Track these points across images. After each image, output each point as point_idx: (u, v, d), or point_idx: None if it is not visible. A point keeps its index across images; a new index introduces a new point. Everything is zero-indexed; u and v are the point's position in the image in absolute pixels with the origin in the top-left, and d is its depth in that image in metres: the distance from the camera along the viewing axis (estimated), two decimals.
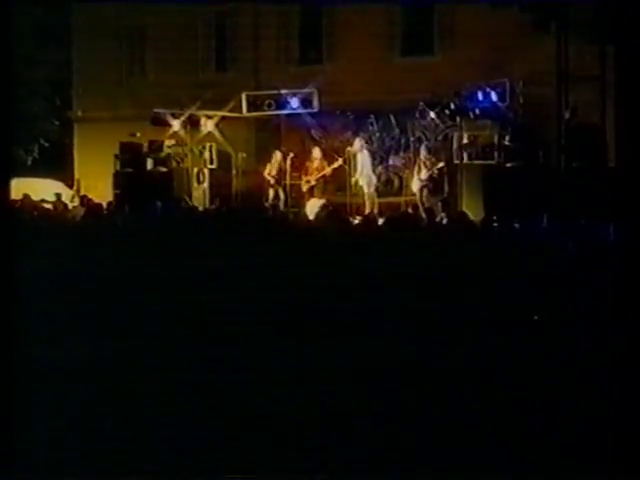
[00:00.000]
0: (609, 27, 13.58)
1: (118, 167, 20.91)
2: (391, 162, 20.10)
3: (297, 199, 19.45)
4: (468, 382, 6.59)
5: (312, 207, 17.82)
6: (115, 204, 17.42)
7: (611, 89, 13.50)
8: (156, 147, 20.65)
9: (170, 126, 20.45)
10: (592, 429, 6.25)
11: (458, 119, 18.38)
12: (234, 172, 21.07)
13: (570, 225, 11.12)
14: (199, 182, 20.60)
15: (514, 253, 8.12)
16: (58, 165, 26.33)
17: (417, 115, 19.77)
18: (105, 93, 24.13)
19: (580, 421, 6.31)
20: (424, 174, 18.44)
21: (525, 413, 6.39)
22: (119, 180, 20.63)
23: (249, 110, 20.54)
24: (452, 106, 18.26)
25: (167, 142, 20.65)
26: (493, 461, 6.09)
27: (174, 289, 7.45)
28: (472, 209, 15.90)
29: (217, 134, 20.85)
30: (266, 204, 18.66)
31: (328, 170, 19.25)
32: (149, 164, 20.66)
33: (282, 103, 20.21)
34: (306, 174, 19.38)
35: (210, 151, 20.83)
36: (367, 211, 17.82)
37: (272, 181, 19.68)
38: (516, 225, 10.68)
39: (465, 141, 18.40)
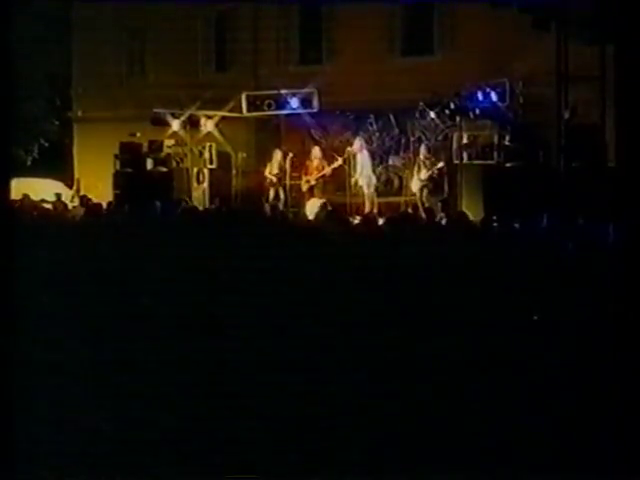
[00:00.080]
0: (609, 27, 13.58)
1: (118, 167, 20.91)
2: (391, 162, 20.12)
3: (297, 199, 19.45)
4: (467, 382, 6.59)
5: (312, 207, 17.83)
6: (115, 204, 17.42)
7: (611, 89, 13.49)
8: (156, 147, 20.65)
9: (170, 126, 20.45)
10: (592, 429, 6.25)
11: (458, 119, 18.38)
12: (234, 172, 21.07)
13: (570, 225, 11.12)
14: (199, 182, 20.60)
15: (514, 253, 8.12)
16: (58, 165, 26.33)
17: (417, 115, 19.78)
18: (105, 93, 24.13)
19: (580, 421, 6.31)
20: (424, 174, 18.45)
21: (525, 413, 6.39)
22: (119, 180, 20.64)
23: (249, 110, 20.54)
24: (452, 106, 18.27)
25: (167, 142, 20.65)
26: (493, 461, 6.09)
27: (174, 289, 7.45)
28: (472, 209, 15.90)
29: (217, 134, 20.85)
30: (266, 204, 18.65)
31: (328, 170, 19.25)
32: (149, 164, 20.65)
33: (282, 103, 20.21)
34: (306, 174, 19.38)
35: (210, 151, 20.82)
36: (367, 211, 17.81)
37: (273, 180, 19.68)
38: (516, 225, 10.67)
39: (465, 141, 18.40)
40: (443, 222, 13.91)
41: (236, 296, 7.19)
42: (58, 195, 21.11)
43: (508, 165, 17.46)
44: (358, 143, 19.40)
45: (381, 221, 11.83)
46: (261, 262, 7.37)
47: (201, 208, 18.18)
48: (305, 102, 20.11)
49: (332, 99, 20.04)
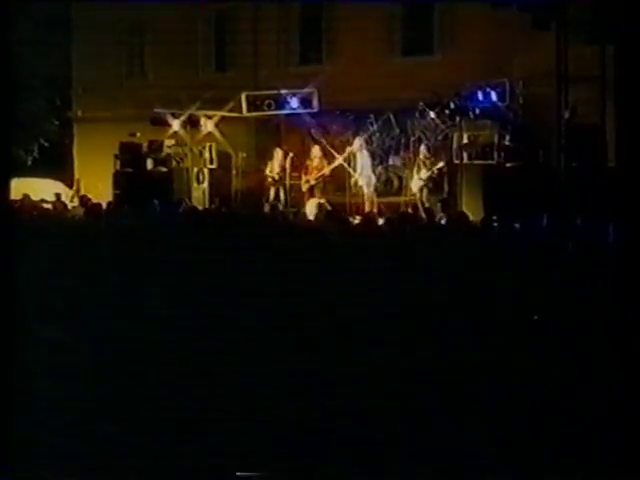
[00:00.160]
0: (609, 27, 13.58)
1: (118, 167, 20.92)
2: (391, 162, 20.11)
3: (297, 199, 19.45)
4: (468, 382, 6.59)
5: (311, 207, 17.83)
6: (115, 204, 17.41)
7: (611, 89, 13.49)
8: (156, 147, 20.65)
9: (170, 126, 20.44)
10: (592, 429, 6.25)
11: (458, 119, 18.37)
12: (234, 172, 21.07)
13: (570, 225, 11.12)
14: (199, 182, 20.60)
15: (514, 253, 8.12)
16: (58, 165, 26.31)
17: (417, 115, 19.76)
18: (105, 93, 24.11)
19: (580, 421, 6.31)
20: (424, 174, 18.46)
21: (525, 413, 6.39)
22: (119, 180, 20.64)
23: (249, 110, 20.53)
24: (452, 106, 18.26)
25: (167, 142, 20.65)
26: (494, 461, 6.09)
27: (174, 289, 7.45)
28: (472, 209, 15.90)
29: (217, 134, 20.84)
30: (266, 204, 18.66)
31: (327, 169, 19.26)
32: (149, 164, 20.65)
33: (282, 103, 20.20)
34: (306, 173, 19.39)
35: (210, 151, 20.83)
36: (367, 211, 17.81)
37: (274, 179, 19.68)
38: (516, 225, 10.68)
39: (465, 141, 18.40)
40: (443, 222, 13.91)
41: (236, 297, 7.19)
42: (58, 195, 21.10)
43: (508, 165, 17.46)
44: (358, 143, 19.40)
45: (381, 221, 11.84)
46: (261, 262, 7.37)
47: (201, 208, 18.21)
48: (305, 102, 20.10)
49: (332, 99, 20.03)
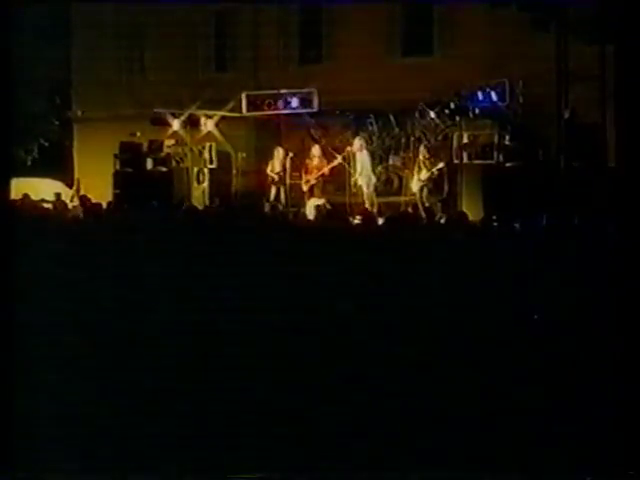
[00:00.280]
0: (609, 27, 13.57)
1: (118, 167, 20.91)
2: (391, 162, 20.11)
3: (297, 199, 19.45)
4: (468, 382, 6.59)
5: (311, 207, 17.85)
6: (115, 204, 17.41)
7: (611, 89, 13.48)
8: (156, 147, 20.64)
9: (170, 126, 20.43)
10: (592, 429, 6.25)
11: (458, 119, 18.39)
12: (234, 172, 21.08)
13: (570, 225, 11.12)
14: (199, 182, 20.60)
15: (514, 253, 8.11)
16: (58, 165, 26.30)
17: (417, 115, 19.77)
18: (105, 93, 24.11)
19: (580, 421, 6.30)
20: (424, 174, 18.46)
21: (525, 413, 6.39)
22: (119, 180, 20.64)
23: (249, 110, 20.53)
24: (452, 106, 18.27)
25: (167, 142, 20.64)
26: (494, 461, 6.09)
27: (174, 289, 7.45)
28: (472, 209, 15.90)
29: (217, 134, 20.84)
30: (266, 204, 18.66)
31: (326, 169, 19.26)
32: (149, 164, 20.65)
33: (282, 103, 20.20)
34: (306, 173, 19.39)
35: (210, 151, 20.82)
36: (366, 211, 17.80)
37: (274, 178, 19.68)
38: (516, 225, 10.68)
39: (465, 141, 18.41)
40: (443, 222, 13.91)
41: (236, 297, 7.19)
42: (58, 195, 21.10)
43: (508, 165, 17.46)
44: (358, 143, 19.40)
45: (381, 221, 11.84)
46: (260, 262, 7.37)
47: (201, 208, 18.20)
48: (305, 102, 20.10)
49: (332, 99, 20.03)
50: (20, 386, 6.25)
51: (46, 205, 18.35)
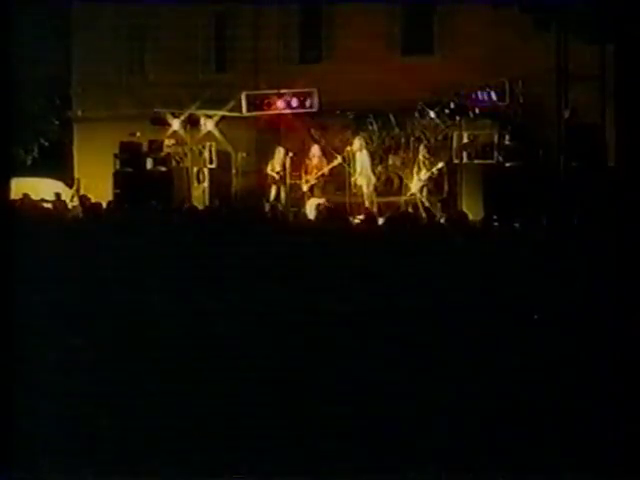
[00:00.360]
0: (609, 27, 13.58)
1: (118, 167, 20.92)
2: (391, 162, 20.11)
3: (297, 199, 19.45)
4: (467, 381, 6.59)
5: (311, 207, 17.86)
6: (115, 203, 17.41)
7: (611, 89, 13.48)
8: (156, 147, 20.65)
9: (170, 126, 20.44)
10: (592, 429, 6.25)
11: (458, 119, 18.39)
12: (234, 172, 21.08)
13: (569, 224, 11.12)
14: (199, 182, 20.60)
15: (514, 253, 8.11)
16: (58, 165, 26.29)
17: (417, 115, 19.76)
18: (105, 93, 24.10)
19: (580, 421, 6.30)
20: (424, 174, 18.47)
21: (525, 413, 6.39)
22: (119, 179, 20.64)
23: (249, 110, 20.52)
24: (452, 106, 18.28)
25: (167, 142, 20.64)
26: (493, 461, 6.09)
27: (174, 288, 7.45)
28: (472, 209, 15.91)
29: (217, 134, 20.84)
30: (266, 204, 18.66)
31: (326, 169, 19.27)
32: (149, 164, 20.66)
33: (282, 103, 20.21)
34: (306, 173, 19.40)
35: (210, 151, 20.83)
36: (366, 211, 17.81)
37: (275, 177, 19.68)
38: (516, 225, 10.68)
39: (465, 141, 18.42)
40: (443, 222, 13.91)
41: (236, 297, 7.19)
42: (58, 194, 21.10)
43: (508, 165, 17.47)
44: (358, 143, 19.40)
45: (381, 221, 11.84)
46: (260, 262, 7.37)
47: (201, 208, 18.20)
48: (305, 102, 20.10)
49: (332, 99, 20.03)
50: (20, 386, 6.25)
51: (46, 205, 18.37)
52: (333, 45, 22.34)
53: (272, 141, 21.02)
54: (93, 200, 16.79)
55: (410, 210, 16.81)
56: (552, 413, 6.38)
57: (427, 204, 17.76)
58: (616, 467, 6.02)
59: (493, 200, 16.39)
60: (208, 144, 20.81)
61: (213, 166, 20.91)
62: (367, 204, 18.68)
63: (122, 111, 22.80)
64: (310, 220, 14.69)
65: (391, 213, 15.56)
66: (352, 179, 19.09)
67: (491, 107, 18.11)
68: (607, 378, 6.50)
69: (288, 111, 20.31)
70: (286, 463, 6.04)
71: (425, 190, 18.39)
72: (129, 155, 20.76)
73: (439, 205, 17.48)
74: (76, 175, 24.06)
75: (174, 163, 20.60)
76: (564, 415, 6.36)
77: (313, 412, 6.40)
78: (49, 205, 18.65)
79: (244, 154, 21.38)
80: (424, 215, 15.55)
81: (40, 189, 20.97)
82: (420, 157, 18.81)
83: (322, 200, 18.38)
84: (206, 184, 20.69)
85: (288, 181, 19.66)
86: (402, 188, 19.36)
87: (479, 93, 18.11)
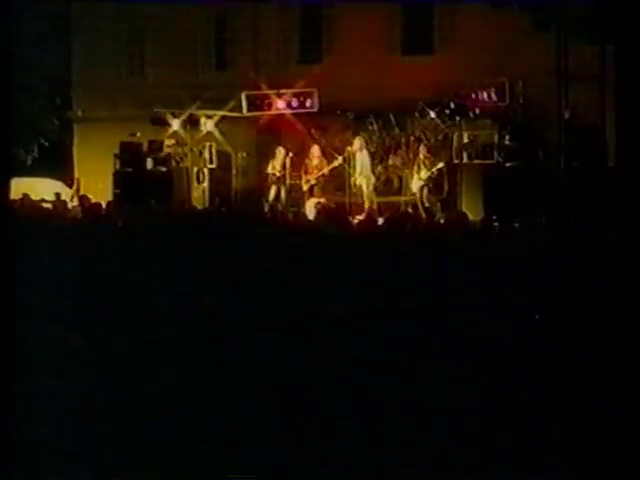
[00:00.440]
0: (609, 27, 13.58)
1: (118, 167, 20.93)
2: (391, 162, 20.12)
3: (297, 199, 19.46)
4: (467, 382, 6.59)
5: (311, 207, 17.86)
6: (115, 203, 17.41)
7: (611, 89, 13.49)
8: (156, 147, 20.65)
9: (170, 126, 20.44)
10: (592, 429, 6.25)
11: (458, 119, 18.40)
12: (234, 172, 21.09)
13: (569, 224, 11.12)
14: (199, 182, 20.61)
15: (514, 253, 8.12)
16: (58, 165, 26.29)
17: (417, 115, 19.77)
18: (105, 93, 24.11)
19: (580, 421, 6.31)
20: (424, 174, 18.48)
21: (525, 413, 6.39)
22: (119, 180, 20.65)
23: (249, 110, 20.53)
24: (452, 106, 18.29)
25: (167, 142, 20.65)
26: (493, 461, 6.09)
27: (174, 288, 7.45)
28: (472, 209, 15.91)
29: (217, 134, 20.84)
30: (266, 204, 18.66)
31: (326, 169, 19.28)
32: (149, 164, 20.66)
33: (282, 103, 20.21)
34: (306, 173, 19.41)
35: (210, 151, 20.83)
36: (366, 211, 17.82)
37: (276, 176, 19.69)
38: (516, 225, 10.69)
39: (465, 141, 18.42)
40: (443, 222, 13.92)
41: (236, 297, 7.19)
42: (58, 195, 21.10)
43: (508, 165, 17.48)
44: (358, 143, 19.41)
45: (381, 221, 11.84)
46: (260, 262, 7.37)
47: (201, 208, 18.21)
48: (305, 102, 20.11)
49: (332, 99, 20.04)
50: (20, 389, 6.25)
51: (46, 205, 18.35)
52: (333, 45, 22.36)
53: (272, 141, 21.04)
54: (93, 200, 16.79)
55: (410, 210, 16.80)
56: (552, 413, 6.38)
57: (427, 204, 17.77)
58: (616, 467, 6.02)
59: (493, 200, 16.40)
60: (208, 144, 20.81)
61: (213, 166, 20.91)
62: (367, 204, 18.68)
63: (122, 111, 22.81)
64: (310, 220, 14.69)
65: (391, 213, 15.56)
66: (352, 179, 19.10)
67: (491, 107, 18.11)
68: (607, 378, 6.50)
69: (288, 111, 20.33)
70: (286, 466, 6.05)
71: (425, 190, 18.40)
72: (129, 155, 20.77)
73: (439, 205, 17.49)
74: (76, 175, 24.08)
75: (174, 163, 20.61)
76: (564, 415, 6.36)
77: (313, 413, 6.41)
78: (49, 205, 18.63)
79: (244, 154, 21.39)
80: (424, 215, 15.55)
81: (40, 189, 20.97)
82: (420, 157, 18.83)
83: (322, 200, 18.38)
84: (206, 184, 20.70)
85: (288, 181, 19.66)
86: (402, 188, 19.38)
87: (479, 93, 18.13)
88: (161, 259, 7.81)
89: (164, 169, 20.54)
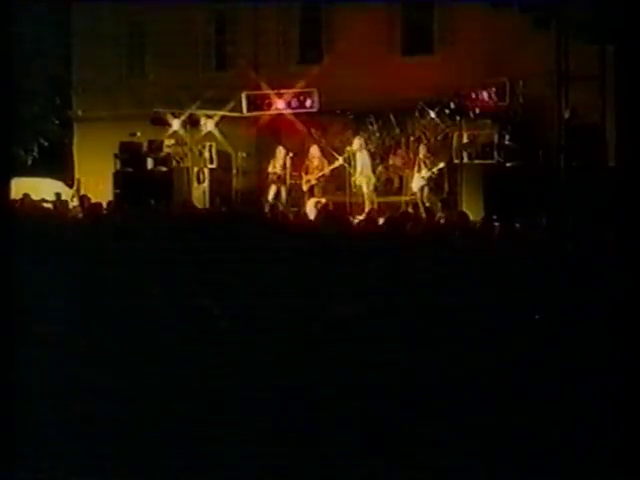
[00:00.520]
0: (609, 27, 13.57)
1: (118, 167, 20.93)
2: (391, 162, 20.12)
3: (297, 199, 19.47)
4: (468, 382, 6.59)
5: (311, 207, 17.87)
6: (115, 203, 17.42)
7: (611, 89, 13.48)
8: (156, 147, 20.65)
9: (170, 126, 20.45)
10: (592, 429, 6.25)
11: (458, 119, 18.40)
12: (234, 172, 21.09)
13: (569, 225, 11.13)
14: (199, 182, 20.61)
15: (514, 253, 8.12)
16: (58, 165, 26.32)
17: (417, 115, 19.78)
18: (105, 93, 24.10)
19: (580, 421, 6.31)
20: (424, 174, 18.48)
21: (525, 413, 6.39)
22: (119, 180, 20.66)
23: (249, 110, 20.55)
24: (452, 106, 18.28)
25: (167, 142, 20.65)
26: (493, 461, 6.09)
27: (174, 288, 7.46)
28: (472, 209, 15.91)
29: (217, 134, 20.84)
30: (266, 204, 18.66)
31: (327, 170, 19.29)
32: (149, 164, 20.67)
33: (282, 103, 20.22)
34: (306, 173, 19.41)
35: (210, 151, 20.83)
36: (366, 210, 17.83)
37: (277, 174, 19.69)
38: (516, 225, 10.69)
39: (465, 141, 18.42)
40: (443, 221, 13.93)
41: (236, 297, 7.19)
42: (58, 195, 21.11)
43: (508, 165, 17.48)
44: (358, 143, 19.42)
45: (381, 220, 11.84)
46: (260, 262, 7.37)
47: (201, 208, 18.21)
48: (305, 102, 20.11)
49: (332, 99, 20.04)
50: (20, 388, 6.25)
51: (46, 205, 18.37)
52: (333, 45, 22.35)
53: (272, 141, 21.04)
54: (93, 200, 16.80)
55: (410, 210, 16.81)
56: (552, 413, 6.38)
57: (427, 204, 17.77)
58: (616, 467, 6.02)
59: (493, 200, 16.40)
60: (208, 144, 20.81)
61: (213, 166, 20.92)
62: (367, 204, 18.69)
63: (122, 111, 22.81)
64: (310, 220, 14.69)
65: (391, 213, 15.56)
66: (352, 179, 19.11)
67: (491, 107, 18.11)
68: (607, 378, 6.50)
69: (288, 111, 20.33)
70: (287, 468, 6.05)
71: (425, 190, 18.41)
72: (129, 155, 20.77)
73: (439, 205, 17.48)
74: (76, 175, 24.09)
75: (174, 163, 20.60)
76: (564, 415, 6.37)
77: (313, 414, 6.41)
78: (49, 205, 18.65)
79: (244, 154, 21.39)
80: (424, 215, 15.54)
81: (40, 189, 20.98)
82: (420, 157, 18.83)
83: (322, 200, 18.39)
84: (206, 184, 20.70)
85: (288, 181, 19.68)
86: (402, 188, 19.39)
87: (479, 93, 18.12)
88: (161, 259, 7.81)
89: (164, 169, 20.54)
